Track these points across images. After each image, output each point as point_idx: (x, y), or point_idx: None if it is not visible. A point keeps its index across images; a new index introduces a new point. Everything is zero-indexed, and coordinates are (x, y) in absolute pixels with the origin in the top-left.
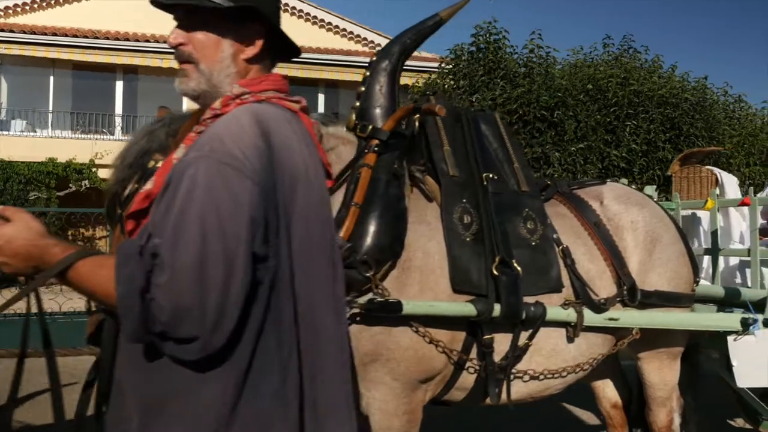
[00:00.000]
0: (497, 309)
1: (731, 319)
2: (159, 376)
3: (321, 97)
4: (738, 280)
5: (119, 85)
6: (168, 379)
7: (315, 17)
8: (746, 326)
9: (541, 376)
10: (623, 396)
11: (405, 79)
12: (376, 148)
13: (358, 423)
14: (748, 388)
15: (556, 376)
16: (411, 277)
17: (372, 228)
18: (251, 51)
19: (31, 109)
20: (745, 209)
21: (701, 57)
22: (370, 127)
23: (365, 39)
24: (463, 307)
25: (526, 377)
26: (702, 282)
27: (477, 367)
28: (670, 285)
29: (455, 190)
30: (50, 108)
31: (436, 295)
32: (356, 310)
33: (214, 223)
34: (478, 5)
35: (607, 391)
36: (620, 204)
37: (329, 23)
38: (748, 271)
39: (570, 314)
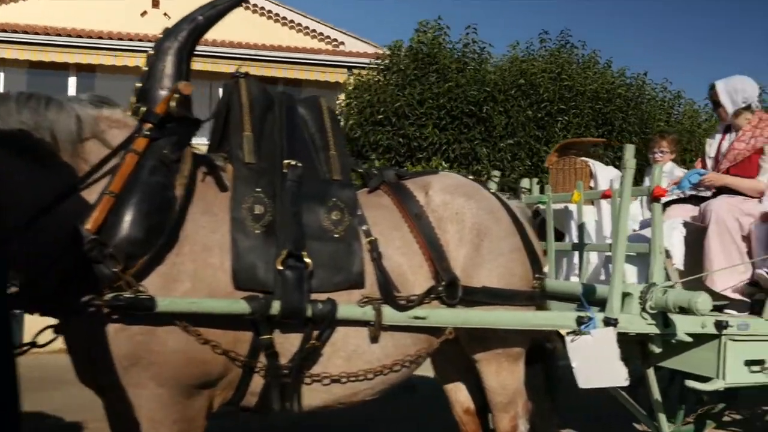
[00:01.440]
0: (276, 306)
1: (566, 318)
2: None
3: None
4: (603, 277)
5: (72, 83)
6: None
7: (275, 14)
8: (581, 325)
9: (344, 380)
10: (477, 400)
11: (337, 76)
12: (147, 132)
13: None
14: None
15: (361, 379)
16: (182, 273)
17: (126, 219)
18: None
19: None
20: (633, 204)
21: (657, 55)
22: (143, 109)
23: (328, 37)
24: (233, 304)
25: (326, 381)
26: (573, 279)
27: (265, 371)
28: (501, 281)
29: (249, 179)
30: None
31: (213, 292)
32: (108, 309)
33: None
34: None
35: (460, 395)
36: (446, 195)
37: (291, 20)
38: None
39: (367, 312)
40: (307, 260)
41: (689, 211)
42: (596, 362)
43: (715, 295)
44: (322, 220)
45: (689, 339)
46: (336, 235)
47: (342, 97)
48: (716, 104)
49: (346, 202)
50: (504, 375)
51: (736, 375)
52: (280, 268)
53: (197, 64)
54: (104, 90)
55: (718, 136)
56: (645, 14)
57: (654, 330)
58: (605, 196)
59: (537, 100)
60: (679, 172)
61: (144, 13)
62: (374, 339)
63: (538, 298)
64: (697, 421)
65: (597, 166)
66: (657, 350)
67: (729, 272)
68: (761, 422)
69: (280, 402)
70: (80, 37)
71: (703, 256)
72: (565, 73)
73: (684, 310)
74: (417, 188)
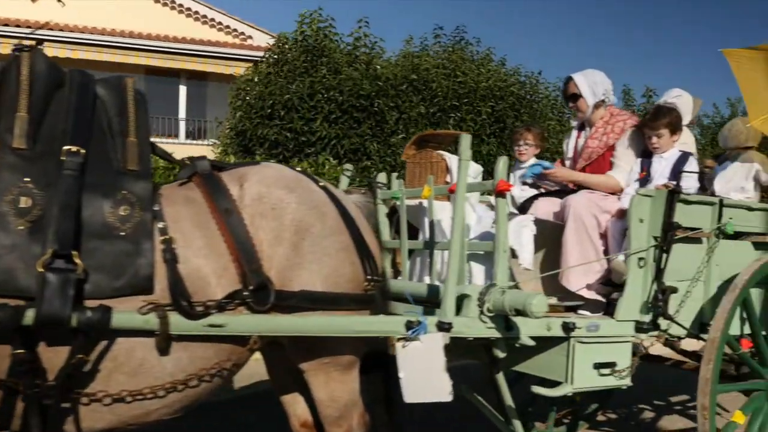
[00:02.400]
0: (30, 315)
1: (394, 323)
2: None
3: (183, 89)
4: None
5: None
6: None
7: (179, 5)
8: (410, 330)
9: (128, 398)
10: (316, 413)
11: (232, 69)
12: None
13: None
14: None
15: (150, 397)
16: None
17: None
18: None
19: None
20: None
21: (551, 55)
22: None
23: (235, 30)
24: None
25: (107, 400)
26: (426, 279)
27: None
28: (326, 284)
29: (16, 166)
30: None
31: None
32: None
33: None
34: None
35: (297, 408)
36: (263, 187)
37: (196, 12)
38: (472, 265)
39: (149, 321)
40: (78, 261)
41: (557, 205)
42: (423, 373)
43: (573, 295)
44: (105, 216)
45: (532, 343)
46: (122, 233)
47: (231, 90)
48: (574, 97)
49: (139, 195)
50: (334, 386)
51: (585, 379)
52: (41, 270)
53: (105, 55)
54: None
55: (574, 134)
56: (541, 14)
57: (495, 334)
58: (450, 191)
59: (429, 95)
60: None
61: None
62: (163, 351)
63: (371, 301)
64: (569, 423)
65: (453, 160)
66: (501, 354)
67: (584, 271)
68: (636, 421)
69: (41, 426)
70: (18, 26)
71: (560, 254)
72: (459, 70)
73: (520, 313)
74: (231, 180)
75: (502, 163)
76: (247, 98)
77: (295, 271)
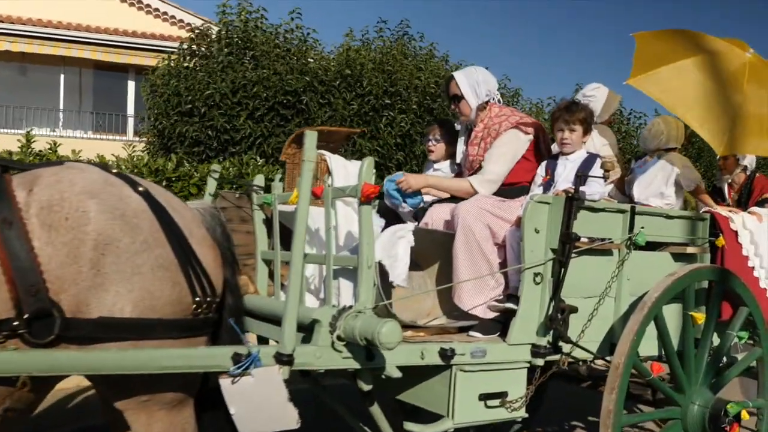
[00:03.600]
0: None
1: (217, 356)
2: None
3: (131, 84)
4: (322, 295)
5: None
6: None
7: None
8: (237, 364)
9: None
10: None
11: (147, 60)
12: None
13: None
14: None
15: None
16: None
17: None
18: None
19: None
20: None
21: (498, 53)
22: None
23: (189, 24)
24: None
25: None
26: (309, 297)
27: None
28: (138, 309)
29: None
30: None
31: None
32: None
33: None
34: None
35: None
36: (57, 193)
37: (147, 5)
38: (341, 282)
39: None
40: None
41: (450, 212)
42: (261, 406)
43: (467, 315)
44: None
45: (398, 374)
46: None
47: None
48: (456, 98)
49: None
50: (159, 427)
51: (469, 412)
52: None
53: (47, 49)
54: None
55: (462, 140)
56: (487, 12)
57: (352, 365)
58: (314, 194)
59: (362, 92)
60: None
61: None
62: None
63: (203, 327)
64: None
65: (334, 160)
66: (366, 387)
67: (477, 288)
68: None
69: None
70: None
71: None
72: (396, 66)
73: (370, 343)
74: (20, 184)
75: (366, 164)
76: (164, 93)
77: (96, 293)
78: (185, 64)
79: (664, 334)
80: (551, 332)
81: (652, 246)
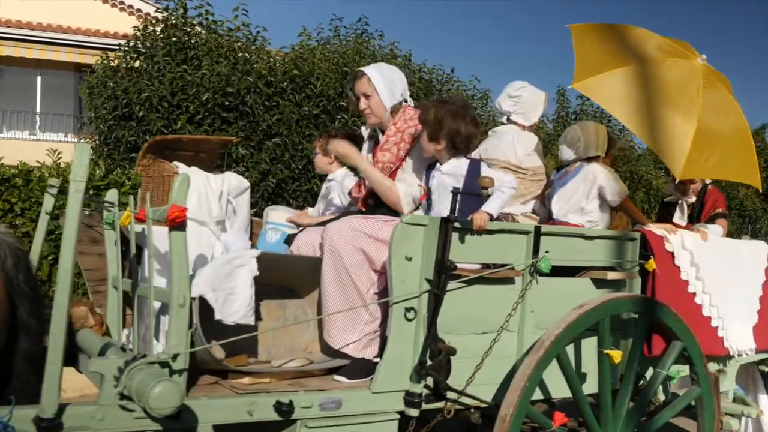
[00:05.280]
0: None
1: None
2: None
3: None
4: (165, 328)
5: None
6: None
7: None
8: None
9: None
10: None
11: (88, 58)
12: None
13: None
14: None
15: None
16: None
17: None
18: None
19: None
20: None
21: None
22: None
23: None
24: None
25: None
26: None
27: None
28: None
29: None
30: None
31: None
32: None
33: None
34: None
35: None
36: None
37: (129, 6)
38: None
39: None
40: None
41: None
42: None
43: (339, 354)
44: None
45: None
46: None
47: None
48: (366, 98)
49: None
50: None
51: None
52: None
53: (22, 50)
54: None
55: (367, 146)
56: (454, 12)
57: (148, 426)
58: (138, 219)
59: (314, 94)
60: (351, 181)
61: None
62: None
63: None
64: None
65: (192, 173)
66: None
67: (350, 323)
68: None
69: None
70: None
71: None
72: (353, 66)
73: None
74: None
75: (178, 183)
76: (101, 95)
77: None
78: (131, 64)
79: (570, 377)
80: (428, 377)
81: (571, 271)
